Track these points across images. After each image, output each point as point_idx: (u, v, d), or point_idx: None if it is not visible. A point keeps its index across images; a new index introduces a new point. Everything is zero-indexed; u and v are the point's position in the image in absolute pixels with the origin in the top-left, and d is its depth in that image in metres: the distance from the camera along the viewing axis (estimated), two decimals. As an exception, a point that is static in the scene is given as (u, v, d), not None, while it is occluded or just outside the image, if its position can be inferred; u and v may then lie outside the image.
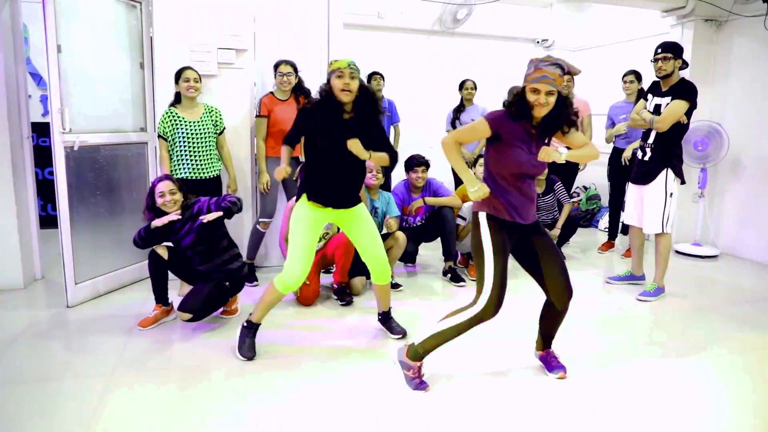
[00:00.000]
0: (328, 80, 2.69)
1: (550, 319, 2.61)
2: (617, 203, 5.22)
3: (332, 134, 2.66)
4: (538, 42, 7.64)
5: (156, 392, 2.47)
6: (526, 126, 2.36)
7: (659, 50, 3.72)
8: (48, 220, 5.30)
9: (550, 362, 2.68)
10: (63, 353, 2.87)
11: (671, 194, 3.73)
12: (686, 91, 3.61)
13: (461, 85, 5.47)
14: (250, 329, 2.81)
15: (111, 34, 3.74)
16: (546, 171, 4.77)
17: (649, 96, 3.83)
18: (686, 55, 5.22)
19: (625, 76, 5.04)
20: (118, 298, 3.70)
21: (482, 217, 2.40)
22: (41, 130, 5.54)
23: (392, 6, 6.69)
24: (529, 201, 2.45)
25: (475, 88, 5.46)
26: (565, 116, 2.38)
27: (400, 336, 3.04)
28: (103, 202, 3.72)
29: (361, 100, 2.72)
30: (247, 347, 2.77)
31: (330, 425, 2.22)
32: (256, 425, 2.21)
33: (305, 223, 2.75)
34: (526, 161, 2.35)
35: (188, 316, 3.12)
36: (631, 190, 4.00)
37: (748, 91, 5.03)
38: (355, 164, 2.77)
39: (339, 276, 3.68)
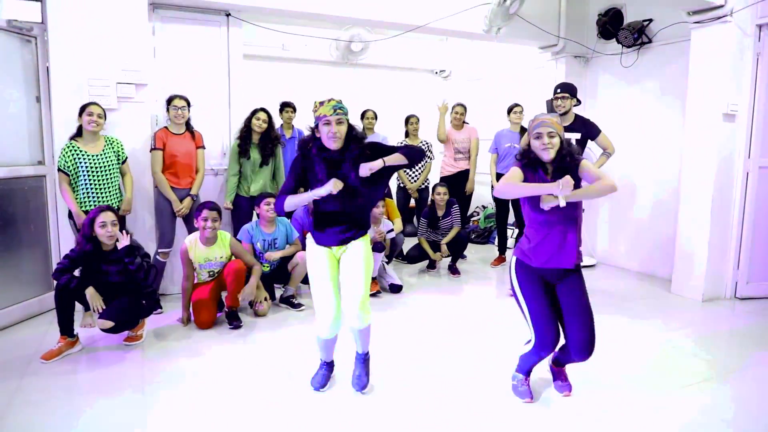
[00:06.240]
0: (317, 125, 2.64)
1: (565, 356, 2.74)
2: (503, 221, 5.77)
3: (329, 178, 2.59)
4: (436, 72, 8.15)
5: None
6: (542, 174, 2.55)
7: (558, 90, 4.21)
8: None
9: (559, 377, 2.87)
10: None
11: None
12: (591, 124, 4.25)
13: (362, 116, 5.78)
14: (323, 367, 2.91)
15: (3, 67, 3.74)
16: (447, 196, 5.18)
17: None
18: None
19: (516, 107, 5.50)
20: (16, 333, 3.63)
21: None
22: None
23: (296, 38, 6.93)
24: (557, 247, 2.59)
25: (376, 117, 5.81)
26: (572, 154, 2.57)
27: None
28: (-4, 237, 3.67)
29: (348, 139, 2.65)
30: (317, 378, 2.89)
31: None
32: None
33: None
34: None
35: (110, 324, 3.17)
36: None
37: (610, 117, 5.69)
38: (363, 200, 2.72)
39: (230, 301, 3.79)
